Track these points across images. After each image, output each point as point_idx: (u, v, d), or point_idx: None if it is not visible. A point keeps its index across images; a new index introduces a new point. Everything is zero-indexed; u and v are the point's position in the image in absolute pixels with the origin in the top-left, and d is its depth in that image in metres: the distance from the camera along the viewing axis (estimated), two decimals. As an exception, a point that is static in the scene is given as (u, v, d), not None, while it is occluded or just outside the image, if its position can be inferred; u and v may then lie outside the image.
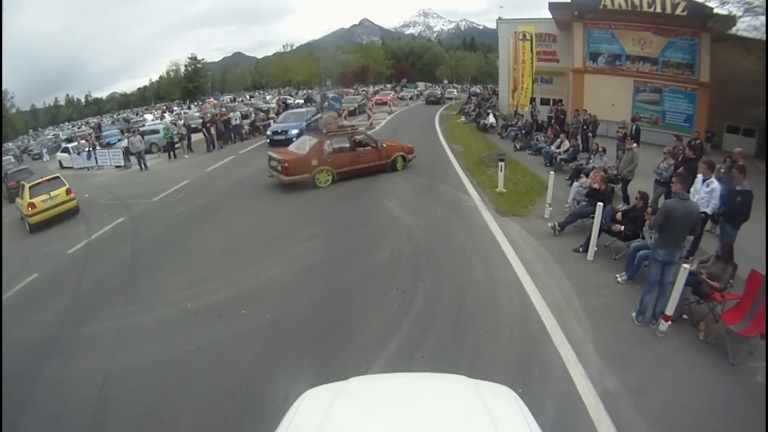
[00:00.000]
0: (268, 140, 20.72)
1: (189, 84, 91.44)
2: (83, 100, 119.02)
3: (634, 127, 13.83)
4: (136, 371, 5.50)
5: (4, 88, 75.49)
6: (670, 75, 20.77)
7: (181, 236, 10.29)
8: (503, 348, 5.45)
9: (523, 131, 20.48)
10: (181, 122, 25.54)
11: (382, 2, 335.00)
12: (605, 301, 6.46)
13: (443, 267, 7.65)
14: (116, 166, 21.38)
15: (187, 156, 21.50)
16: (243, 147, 21.79)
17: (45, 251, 10.54)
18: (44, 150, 34.63)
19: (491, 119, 24.43)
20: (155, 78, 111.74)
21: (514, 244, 8.37)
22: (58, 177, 13.77)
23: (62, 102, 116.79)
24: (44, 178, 13.57)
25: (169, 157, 21.37)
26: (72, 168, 22.62)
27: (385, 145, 14.55)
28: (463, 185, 12.69)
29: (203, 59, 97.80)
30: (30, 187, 12.81)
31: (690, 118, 20.41)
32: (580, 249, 8.00)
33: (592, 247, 7.72)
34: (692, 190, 7.80)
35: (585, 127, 16.85)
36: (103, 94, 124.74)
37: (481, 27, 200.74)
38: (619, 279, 7.00)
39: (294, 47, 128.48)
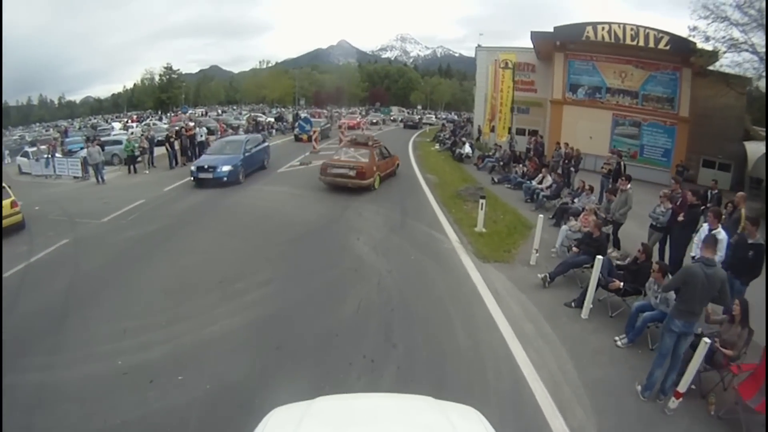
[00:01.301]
0: (192, 178, 16.33)
1: (162, 94, 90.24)
2: (56, 102, 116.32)
3: (620, 163, 13.15)
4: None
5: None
6: (650, 109, 20.83)
7: (123, 268, 8.97)
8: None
9: (501, 163, 19.82)
10: (144, 135, 24.08)
11: (361, 25, 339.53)
12: (606, 372, 5.67)
13: (419, 328, 6.62)
14: (74, 177, 20.02)
15: (147, 171, 20.28)
16: (207, 165, 20.49)
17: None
18: (6, 152, 32.18)
19: (467, 149, 23.86)
20: (130, 85, 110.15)
21: (498, 298, 7.47)
22: (3, 187, 12.26)
23: (35, 102, 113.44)
24: None
25: (129, 171, 20.01)
26: (30, 174, 21.38)
27: (392, 155, 17.65)
28: (439, 222, 11.81)
29: (179, 70, 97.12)
30: None
31: (668, 152, 20.47)
32: (572, 304, 7.17)
33: (588, 304, 6.86)
34: (695, 239, 7.36)
35: (566, 161, 16.24)
36: (77, 97, 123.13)
37: (457, 54, 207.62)
38: (619, 342, 6.22)
39: (271, 64, 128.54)
